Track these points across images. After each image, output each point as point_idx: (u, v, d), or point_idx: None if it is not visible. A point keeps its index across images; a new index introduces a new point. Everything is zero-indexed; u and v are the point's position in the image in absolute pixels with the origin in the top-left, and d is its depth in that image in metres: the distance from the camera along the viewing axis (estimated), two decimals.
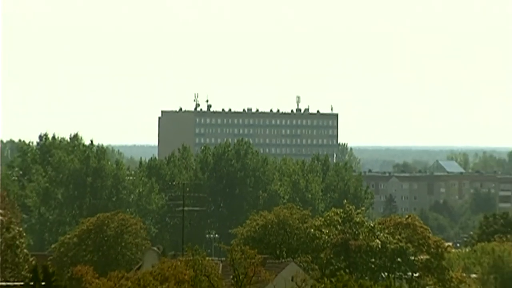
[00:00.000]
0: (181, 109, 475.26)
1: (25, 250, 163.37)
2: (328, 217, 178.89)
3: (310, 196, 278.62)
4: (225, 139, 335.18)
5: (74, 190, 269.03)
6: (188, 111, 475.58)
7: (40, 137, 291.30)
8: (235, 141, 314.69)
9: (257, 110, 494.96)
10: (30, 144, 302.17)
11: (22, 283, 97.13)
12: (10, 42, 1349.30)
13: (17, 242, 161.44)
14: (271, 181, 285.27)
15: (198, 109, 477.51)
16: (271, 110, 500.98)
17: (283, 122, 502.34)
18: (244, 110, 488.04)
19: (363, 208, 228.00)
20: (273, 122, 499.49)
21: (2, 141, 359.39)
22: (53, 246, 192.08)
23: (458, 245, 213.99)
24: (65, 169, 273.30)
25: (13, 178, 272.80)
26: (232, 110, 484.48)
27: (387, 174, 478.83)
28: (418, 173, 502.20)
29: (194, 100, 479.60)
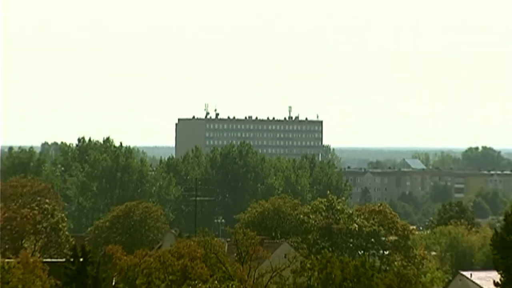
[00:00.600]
0: (194, 117, 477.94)
1: (66, 232, 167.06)
2: (315, 205, 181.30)
3: (299, 188, 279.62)
4: (230, 142, 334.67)
5: (106, 183, 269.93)
6: (200, 119, 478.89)
7: (79, 139, 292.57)
8: (238, 143, 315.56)
9: (256, 118, 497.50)
10: (70, 145, 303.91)
11: (64, 260, 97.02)
12: (42, 50, 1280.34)
13: (60, 226, 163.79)
14: (267, 176, 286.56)
15: (208, 117, 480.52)
16: (267, 118, 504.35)
17: (278, 127, 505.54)
18: (245, 117, 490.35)
19: (343, 198, 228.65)
20: (269, 127, 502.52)
21: (47, 143, 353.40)
22: (89, 229, 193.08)
23: (420, 228, 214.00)
24: (99, 166, 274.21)
25: (57, 173, 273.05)
26: (236, 117, 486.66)
27: (363, 170, 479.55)
28: (388, 169, 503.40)
29: (205, 109, 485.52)
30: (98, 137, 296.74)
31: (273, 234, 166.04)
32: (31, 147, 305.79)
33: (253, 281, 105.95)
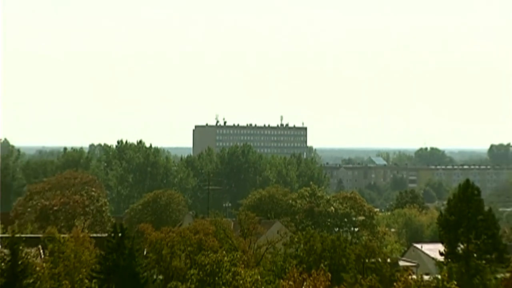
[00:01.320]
0: (207, 124, 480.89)
1: (108, 214, 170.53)
2: (301, 193, 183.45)
3: (289, 179, 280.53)
4: (235, 143, 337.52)
5: (139, 176, 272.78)
6: (211, 126, 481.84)
7: (118, 141, 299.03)
8: (242, 144, 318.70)
9: (255, 125, 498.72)
10: (111, 146, 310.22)
11: (106, 235, 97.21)
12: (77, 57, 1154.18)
13: (103, 209, 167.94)
14: (264, 170, 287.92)
15: (218, 124, 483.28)
16: (264, 125, 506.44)
17: (272, 132, 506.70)
18: (247, 125, 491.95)
19: (322, 187, 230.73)
20: (266, 132, 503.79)
21: (93, 144, 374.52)
22: (125, 211, 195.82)
23: (382, 210, 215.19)
24: (133, 162, 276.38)
25: (101, 168, 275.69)
26: (240, 125, 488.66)
27: (338, 166, 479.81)
28: (357, 165, 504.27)
29: (215, 118, 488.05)
30: (133, 140, 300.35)
31: (268, 215, 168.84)
32: (81, 148, 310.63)
33: (253, 252, 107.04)
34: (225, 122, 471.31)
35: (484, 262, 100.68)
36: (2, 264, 75.30)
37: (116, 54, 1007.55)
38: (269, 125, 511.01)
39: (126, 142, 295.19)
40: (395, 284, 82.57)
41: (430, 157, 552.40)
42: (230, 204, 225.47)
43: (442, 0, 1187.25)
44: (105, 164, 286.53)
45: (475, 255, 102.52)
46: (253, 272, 79.74)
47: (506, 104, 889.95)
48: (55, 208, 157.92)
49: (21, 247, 77.96)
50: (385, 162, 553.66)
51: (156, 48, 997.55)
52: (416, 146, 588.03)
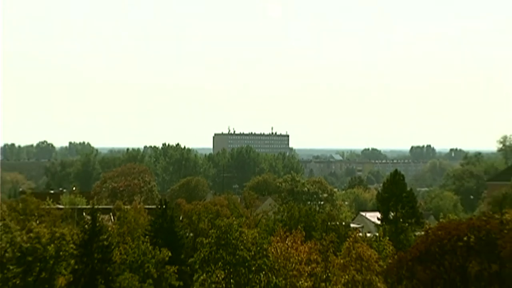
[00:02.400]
0: (222, 132, 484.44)
1: (156, 192, 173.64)
2: (285, 179, 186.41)
3: (277, 169, 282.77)
4: (241, 146, 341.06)
5: (177, 167, 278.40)
6: (225, 134, 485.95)
7: (163, 144, 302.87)
8: (245, 146, 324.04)
9: (254, 133, 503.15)
10: (158, 147, 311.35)
11: (155, 207, 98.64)
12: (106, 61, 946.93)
13: (153, 189, 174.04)
14: (260, 163, 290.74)
15: (230, 132, 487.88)
16: (260, 133, 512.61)
17: (266, 138, 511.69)
18: (249, 133, 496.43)
19: (299, 175, 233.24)
20: (262, 138, 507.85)
21: (146, 146, 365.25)
22: (168, 190, 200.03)
23: (339, 190, 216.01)
24: (173, 158, 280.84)
25: (151, 162, 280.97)
26: (244, 133, 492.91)
27: (310, 160, 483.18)
28: (323, 160, 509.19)
29: (228, 129, 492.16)
30: (173, 142, 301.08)
31: (263, 193, 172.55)
32: (138, 148, 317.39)
33: (252, 218, 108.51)
34: (234, 131, 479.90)
35: (407, 224, 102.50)
36: (86, 226, 75.64)
37: (159, 78, 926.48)
38: (263, 133, 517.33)
39: (168, 144, 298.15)
40: (348, 239, 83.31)
41: (371, 154, 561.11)
42: (237, 186, 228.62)
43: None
44: (154, 159, 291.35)
45: (401, 220, 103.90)
46: (253, 231, 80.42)
47: (424, 112, 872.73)
48: (121, 188, 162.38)
49: (98, 214, 78.27)
50: (341, 158, 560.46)
51: (185, 74, 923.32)
52: (362, 147, 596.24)
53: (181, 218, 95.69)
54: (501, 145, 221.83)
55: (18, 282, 68.39)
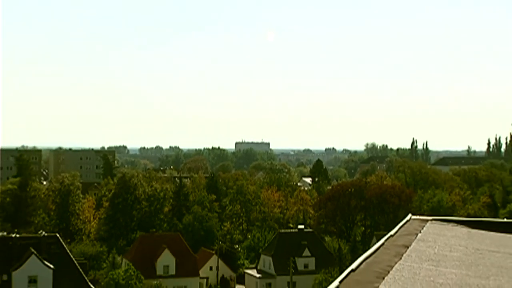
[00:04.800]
0: (236, 142, 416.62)
1: (209, 169, 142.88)
2: (269, 163, 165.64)
3: (264, 159, 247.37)
4: (247, 148, 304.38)
5: (217, 159, 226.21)
6: (239, 142, 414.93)
7: (212, 147, 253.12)
8: (249, 149, 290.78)
9: (252, 142, 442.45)
10: (207, 148, 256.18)
11: (208, 175, 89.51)
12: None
13: (207, 168, 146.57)
14: (258, 159, 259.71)
15: (240, 142, 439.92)
16: (255, 141, 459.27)
17: (258, 144, 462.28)
18: (250, 142, 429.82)
19: (275, 161, 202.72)
20: (256, 144, 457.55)
21: (205, 148, 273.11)
22: (214, 168, 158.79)
23: (293, 168, 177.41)
24: (216, 154, 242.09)
25: (208, 156, 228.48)
26: (246, 141, 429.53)
27: (279, 155, 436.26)
28: (286, 155, 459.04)
29: (241, 139, 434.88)
30: (215, 145, 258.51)
31: (258, 169, 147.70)
32: (196, 149, 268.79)
33: (253, 181, 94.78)
34: (243, 141, 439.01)
35: (322, 182, 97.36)
36: (177, 184, 73.92)
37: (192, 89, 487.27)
38: (257, 142, 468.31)
39: (212, 147, 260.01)
40: (296, 190, 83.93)
41: (308, 152, 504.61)
42: (246, 167, 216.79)
43: None
44: (208, 154, 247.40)
45: (320, 181, 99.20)
46: (253, 187, 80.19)
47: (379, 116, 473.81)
48: (193, 167, 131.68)
49: (182, 179, 77.37)
50: (294, 154, 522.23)
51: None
52: (304, 147, 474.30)
53: (220, 180, 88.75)
54: (367, 146, 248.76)
55: (146, 209, 68.28)
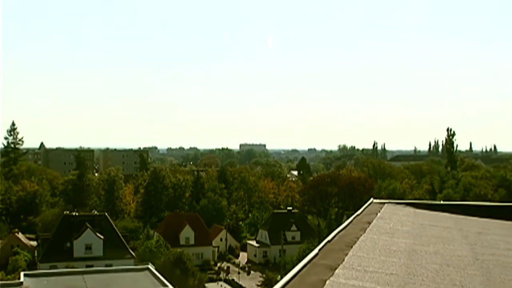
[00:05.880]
0: (241, 144, 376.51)
1: (219, 164, 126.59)
2: (264, 160, 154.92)
3: (262, 157, 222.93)
4: (249, 148, 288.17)
5: (226, 156, 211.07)
6: (242, 144, 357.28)
7: (222, 148, 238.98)
8: (250, 149, 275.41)
9: (253, 144, 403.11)
10: (216, 149, 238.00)
11: (219, 169, 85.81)
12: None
13: (218, 163, 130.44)
14: (257, 157, 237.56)
15: (243, 143, 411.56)
16: (257, 143, 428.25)
17: (258, 146, 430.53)
18: (251, 144, 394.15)
19: (270, 158, 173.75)
20: (256, 145, 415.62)
21: (216, 148, 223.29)
22: (225, 163, 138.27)
23: (284, 163, 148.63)
24: (226, 152, 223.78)
25: (221, 154, 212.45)
26: (247, 143, 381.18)
27: (273, 154, 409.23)
28: (278, 154, 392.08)
29: (244, 142, 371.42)
30: (224, 146, 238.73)
31: (256, 164, 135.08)
32: (212, 149, 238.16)
33: (254, 172, 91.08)
34: (246, 143, 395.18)
35: (305, 174, 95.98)
36: (194, 176, 72.13)
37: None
38: (255, 144, 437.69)
39: (222, 148, 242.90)
40: (285, 180, 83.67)
41: (295, 151, 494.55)
42: (248, 162, 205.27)
43: None
44: (222, 153, 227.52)
45: (304, 173, 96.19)
46: (253, 178, 79.06)
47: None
48: (208, 163, 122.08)
49: (200, 171, 76.56)
50: (284, 153, 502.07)
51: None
52: (306, 148, 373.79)
53: (228, 173, 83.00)
54: (340, 147, 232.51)
55: (172, 195, 67.23)
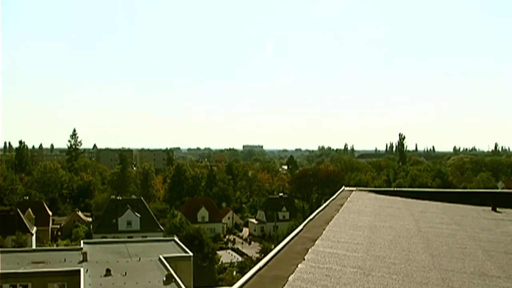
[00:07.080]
0: (244, 145, 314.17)
1: (227, 161, 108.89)
2: (262, 157, 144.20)
3: (260, 155, 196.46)
4: (250, 149, 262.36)
5: (233, 155, 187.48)
6: (245, 146, 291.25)
7: (226, 148, 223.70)
8: (251, 149, 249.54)
9: (253, 145, 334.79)
10: (225, 149, 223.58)
11: (227, 164, 79.86)
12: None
13: (226, 160, 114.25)
14: (256, 156, 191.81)
15: (245, 145, 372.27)
16: (256, 145, 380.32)
17: (256, 147, 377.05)
18: (251, 145, 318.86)
19: (266, 156, 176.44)
20: (255, 146, 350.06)
21: (225, 148, 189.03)
22: (231, 160, 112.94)
23: (278, 160, 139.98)
24: (231, 151, 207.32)
25: (228, 153, 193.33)
26: (249, 145, 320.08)
27: (268, 153, 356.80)
28: (271, 153, 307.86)
29: (246, 143, 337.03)
30: (229, 147, 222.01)
31: (256, 161, 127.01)
32: (221, 149, 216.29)
33: (254, 167, 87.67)
34: (247, 145, 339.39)
35: (292, 168, 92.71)
36: (207, 170, 69.65)
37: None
38: (255, 145, 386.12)
39: (229, 148, 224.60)
40: (278, 173, 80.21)
41: (287, 151, 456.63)
42: (249, 159, 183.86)
43: None
44: (229, 152, 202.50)
45: (291, 168, 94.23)
46: (253, 171, 76.66)
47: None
48: (216, 159, 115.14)
49: (213, 167, 74.65)
50: (276, 152, 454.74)
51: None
52: (294, 148, 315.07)
53: (234, 168, 77.89)
54: (320, 147, 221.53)
55: (191, 184, 62.55)
